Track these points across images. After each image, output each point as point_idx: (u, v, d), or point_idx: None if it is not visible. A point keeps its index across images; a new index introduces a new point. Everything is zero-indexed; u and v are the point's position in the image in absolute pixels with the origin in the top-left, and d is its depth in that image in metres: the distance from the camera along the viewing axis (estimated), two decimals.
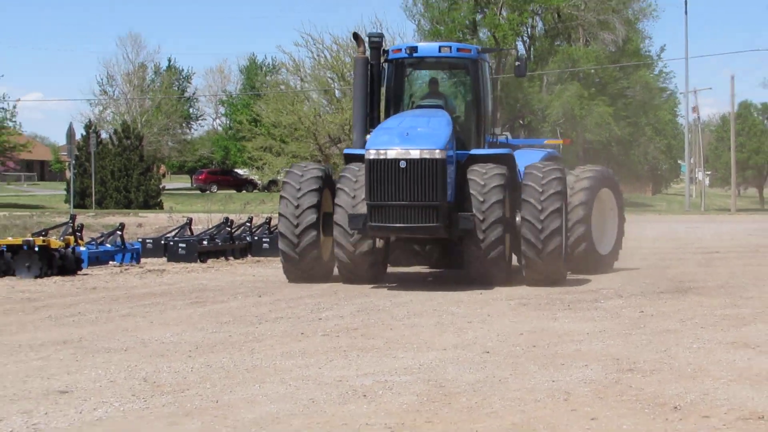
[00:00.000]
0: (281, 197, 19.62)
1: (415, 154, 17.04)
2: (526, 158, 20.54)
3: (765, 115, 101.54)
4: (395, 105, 20.70)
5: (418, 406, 8.66)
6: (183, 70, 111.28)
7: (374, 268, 18.99)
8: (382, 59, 20.45)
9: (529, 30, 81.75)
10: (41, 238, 23.61)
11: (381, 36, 20.41)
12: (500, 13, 78.33)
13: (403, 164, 17.02)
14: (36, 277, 22.26)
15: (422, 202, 17.14)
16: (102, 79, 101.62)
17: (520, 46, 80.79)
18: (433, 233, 18.11)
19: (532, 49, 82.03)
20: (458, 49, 20.44)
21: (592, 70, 78.09)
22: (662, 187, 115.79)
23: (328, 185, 19.88)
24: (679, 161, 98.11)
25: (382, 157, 17.22)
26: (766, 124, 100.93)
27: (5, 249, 23.06)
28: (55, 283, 21.95)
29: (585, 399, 8.94)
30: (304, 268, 19.15)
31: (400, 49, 20.64)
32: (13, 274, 22.63)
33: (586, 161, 79.96)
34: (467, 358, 11.11)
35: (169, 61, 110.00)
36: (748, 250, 29.24)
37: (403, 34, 75.37)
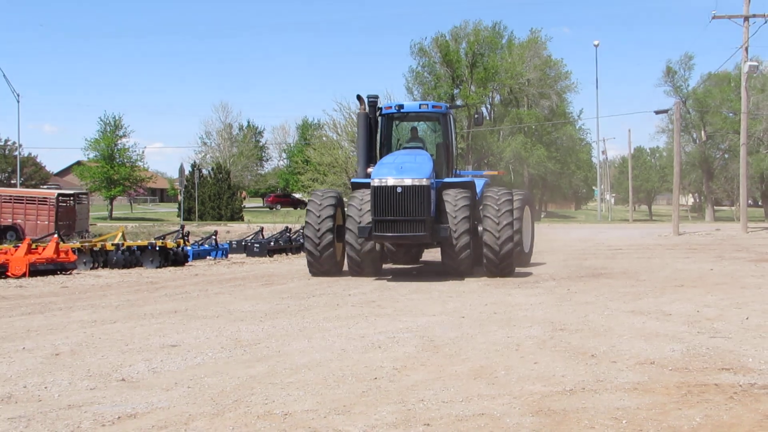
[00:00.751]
0: (307, 211, 19.32)
1: (407, 182, 17.11)
2: (477, 183, 20.58)
3: (651, 156, 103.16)
4: (387, 147, 20.61)
5: (416, 354, 8.75)
6: (257, 127, 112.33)
7: (375, 264, 18.77)
8: (377, 114, 20.49)
9: (490, 99, 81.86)
10: (161, 240, 24.26)
11: (377, 97, 20.55)
12: (470, 88, 78.52)
13: (399, 189, 17.07)
14: (157, 267, 22.69)
15: (413, 217, 17.12)
16: (203, 134, 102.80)
17: (483, 110, 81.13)
18: (420, 240, 18.09)
19: (492, 112, 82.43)
20: (433, 106, 20.77)
21: (533, 126, 78.46)
22: (582, 204, 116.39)
23: (340, 204, 19.71)
24: (593, 187, 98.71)
25: (383, 184, 17.21)
26: (651, 162, 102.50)
27: (136, 248, 23.60)
28: (169, 272, 22.24)
29: (530, 349, 8.99)
30: (322, 264, 18.75)
31: (391, 106, 20.73)
32: (141, 266, 23.10)
33: (530, 188, 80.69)
34: (449, 321, 11.14)
35: (248, 121, 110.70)
36: (641, 248, 29.22)
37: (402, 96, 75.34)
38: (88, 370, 8.02)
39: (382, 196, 17.22)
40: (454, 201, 17.79)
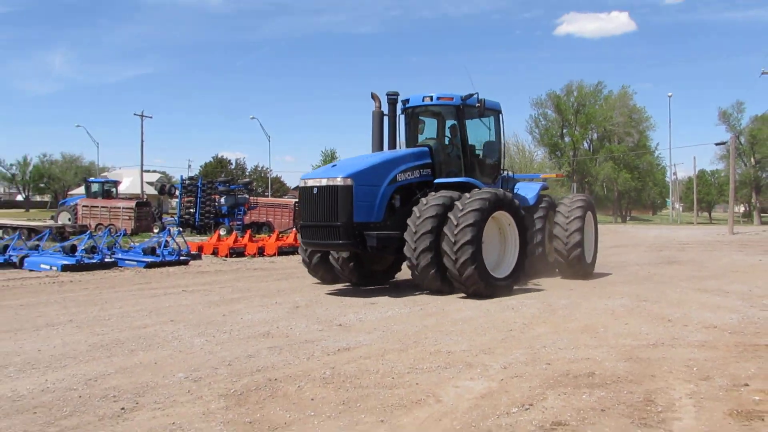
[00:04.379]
0: None
1: (323, 182, 10.26)
2: (528, 188, 13.02)
3: (711, 176, 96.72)
4: (406, 145, 12.39)
5: (538, 314, 8.55)
6: None
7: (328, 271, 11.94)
8: (398, 110, 12.23)
9: (589, 136, 79.10)
10: None
11: (396, 94, 12.21)
12: (575, 129, 76.44)
13: (315, 191, 10.29)
14: None
15: (326, 222, 10.17)
16: None
17: (585, 144, 78.65)
18: (339, 248, 10.81)
19: (591, 145, 79.71)
20: (438, 98, 11.65)
21: (621, 155, 75.01)
22: (657, 211, 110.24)
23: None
24: (666, 199, 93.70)
25: (304, 184, 10.67)
26: (711, 180, 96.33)
27: None
28: None
29: (621, 314, 8.58)
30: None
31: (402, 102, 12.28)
32: None
33: (618, 200, 77.44)
34: (561, 293, 10.76)
35: None
36: (704, 243, 27.25)
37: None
38: (317, 318, 8.32)
39: (303, 198, 10.90)
40: (419, 210, 10.15)
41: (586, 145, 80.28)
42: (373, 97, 12.03)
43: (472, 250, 9.60)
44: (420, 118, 12.39)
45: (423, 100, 11.77)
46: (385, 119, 12.20)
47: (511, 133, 62.86)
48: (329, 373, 5.54)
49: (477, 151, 12.19)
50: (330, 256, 11.53)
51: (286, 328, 7.57)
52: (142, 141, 60.23)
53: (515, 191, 12.78)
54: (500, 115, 12.43)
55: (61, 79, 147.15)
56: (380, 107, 12.01)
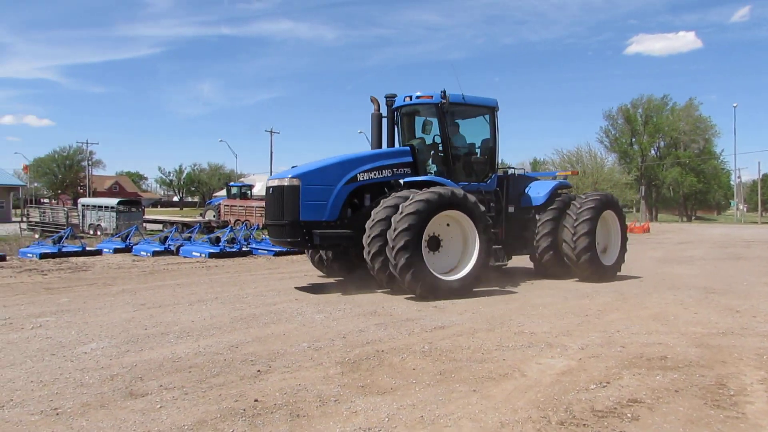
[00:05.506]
0: None
1: (275, 182, 9.13)
2: (540, 187, 10.72)
3: None
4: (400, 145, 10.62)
5: (612, 302, 8.15)
6: None
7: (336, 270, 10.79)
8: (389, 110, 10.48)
9: (657, 144, 74.43)
10: None
11: (395, 96, 10.30)
12: (643, 137, 72.28)
13: (271, 191, 9.14)
14: None
15: (276, 220, 9.05)
16: None
17: (653, 151, 74.16)
18: (292, 246, 9.82)
19: (659, 152, 74.93)
20: (418, 97, 9.87)
21: (687, 161, 70.17)
22: (721, 212, 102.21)
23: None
24: (730, 200, 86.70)
25: (267, 185, 9.44)
26: None
27: None
28: None
29: (691, 304, 8.00)
30: None
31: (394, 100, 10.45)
32: None
33: (684, 202, 72.41)
34: (633, 282, 10.19)
35: None
36: None
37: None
38: (416, 302, 8.25)
39: (265, 198, 9.71)
40: (374, 213, 8.59)
41: (653, 151, 75.81)
42: (372, 100, 10.46)
43: (407, 256, 7.98)
44: (416, 117, 10.41)
45: (404, 100, 10.14)
46: (384, 121, 10.51)
47: (584, 142, 60.24)
48: (427, 348, 5.50)
49: (464, 150, 10.19)
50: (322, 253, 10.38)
51: (390, 308, 7.59)
52: (271, 152, 63.51)
53: (526, 191, 10.79)
54: (495, 112, 10.36)
55: (209, 103, 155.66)
56: (379, 109, 10.41)
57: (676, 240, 25.13)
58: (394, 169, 9.65)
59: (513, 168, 11.11)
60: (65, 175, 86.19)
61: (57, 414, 3.79)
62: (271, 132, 61.29)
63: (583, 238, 10.06)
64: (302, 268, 12.58)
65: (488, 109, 10.38)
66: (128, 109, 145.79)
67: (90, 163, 79.83)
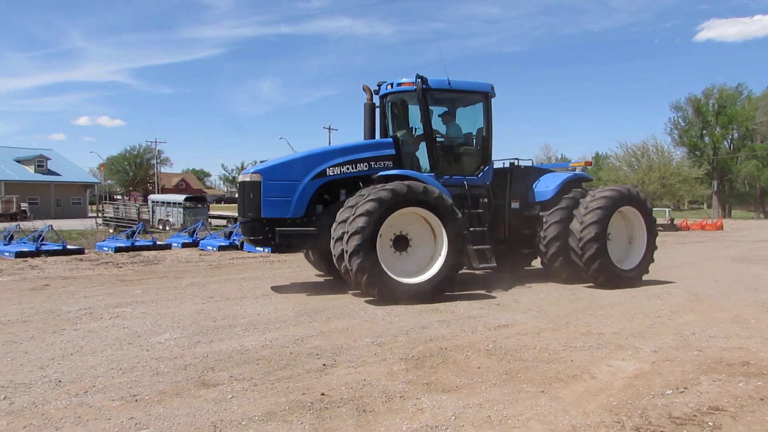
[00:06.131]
0: None
1: (242, 178, 8.62)
2: (549, 180, 9.69)
3: None
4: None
5: (685, 303, 7.77)
6: (568, 158, 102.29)
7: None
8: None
9: (731, 135, 70.48)
10: None
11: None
12: (715, 129, 68.56)
13: (239, 186, 8.69)
14: None
15: (243, 217, 8.59)
16: None
17: (725, 144, 70.24)
18: (255, 245, 8.78)
19: (732, 144, 70.94)
20: (398, 84, 9.05)
21: (764, 153, 66.13)
22: None
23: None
24: None
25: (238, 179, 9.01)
26: None
27: None
28: None
29: None
30: None
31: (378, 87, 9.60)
32: None
33: (761, 197, 68.28)
34: (706, 283, 9.70)
35: (561, 155, 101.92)
36: None
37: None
38: (478, 299, 8.16)
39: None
40: (339, 213, 7.91)
41: (726, 144, 71.83)
42: (364, 89, 9.50)
43: (359, 261, 7.40)
44: (410, 106, 9.42)
45: (386, 88, 9.35)
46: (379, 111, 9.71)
47: (650, 134, 57.77)
48: (492, 346, 5.42)
49: (459, 140, 9.31)
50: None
51: (451, 305, 7.53)
52: None
53: (534, 185, 9.77)
54: (489, 98, 9.33)
55: (269, 101, 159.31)
56: (371, 99, 9.47)
57: (752, 238, 23.74)
58: (372, 163, 8.78)
59: (516, 159, 10.00)
60: (136, 173, 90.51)
61: (136, 401, 3.96)
62: (329, 129, 62.04)
63: (591, 245, 8.81)
64: None
65: (481, 95, 9.34)
66: (193, 108, 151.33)
67: (158, 161, 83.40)
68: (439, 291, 7.86)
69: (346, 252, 7.48)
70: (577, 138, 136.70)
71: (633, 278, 9.34)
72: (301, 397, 4.03)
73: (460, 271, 8.29)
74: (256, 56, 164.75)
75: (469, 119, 9.58)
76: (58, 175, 50.86)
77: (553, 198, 9.49)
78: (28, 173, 49.61)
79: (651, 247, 9.70)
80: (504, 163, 10.07)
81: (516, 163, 10.00)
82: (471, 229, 8.62)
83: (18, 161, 51.00)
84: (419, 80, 8.76)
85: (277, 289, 8.95)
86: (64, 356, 5.06)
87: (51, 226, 16.36)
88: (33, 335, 5.85)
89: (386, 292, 7.55)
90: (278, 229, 8.25)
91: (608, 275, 9.00)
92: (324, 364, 4.82)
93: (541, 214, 9.45)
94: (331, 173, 8.50)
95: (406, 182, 7.86)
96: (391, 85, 9.22)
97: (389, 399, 4.01)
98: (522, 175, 9.88)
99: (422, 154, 9.10)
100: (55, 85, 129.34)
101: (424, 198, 7.84)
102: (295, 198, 8.32)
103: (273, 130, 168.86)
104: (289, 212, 8.34)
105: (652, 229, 9.74)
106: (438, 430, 3.50)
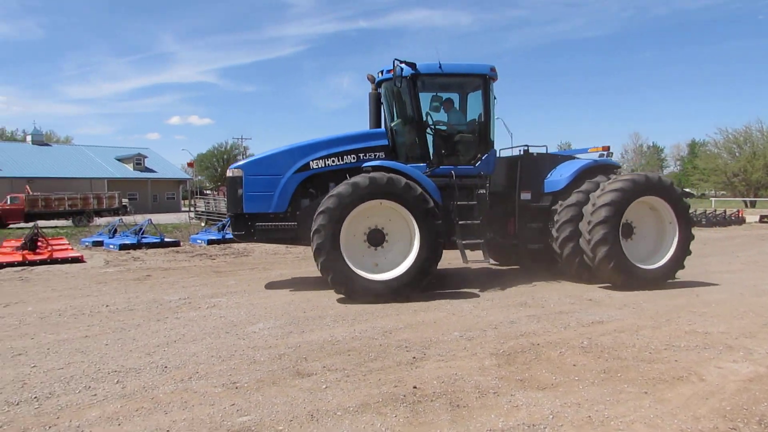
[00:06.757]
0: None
1: (229, 173, 8.37)
2: (564, 169, 8.81)
3: None
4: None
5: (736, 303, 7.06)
6: (660, 146, 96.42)
7: None
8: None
9: None
10: None
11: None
12: None
13: (226, 181, 8.44)
14: None
15: (229, 213, 8.52)
16: (622, 152, 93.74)
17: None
18: (242, 239, 8.35)
19: None
20: (388, 71, 8.46)
21: None
22: None
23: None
24: None
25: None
26: None
27: None
28: None
29: None
30: None
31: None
32: None
33: None
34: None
35: (653, 143, 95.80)
36: None
37: None
38: (567, 293, 7.90)
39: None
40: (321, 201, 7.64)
41: None
42: (369, 78, 9.10)
43: (322, 259, 7.22)
44: (402, 94, 8.64)
45: (378, 75, 8.80)
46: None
47: (755, 119, 53.38)
48: (587, 343, 5.21)
49: (459, 128, 8.65)
50: None
51: (541, 300, 7.33)
52: None
53: (549, 174, 8.94)
54: (488, 81, 8.50)
55: (348, 96, 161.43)
56: (376, 89, 9.01)
57: None
58: (361, 155, 8.39)
59: (526, 146, 9.12)
60: (224, 169, 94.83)
61: (236, 388, 4.12)
62: None
63: (599, 247, 7.89)
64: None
65: (478, 78, 8.55)
66: (276, 104, 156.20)
67: (244, 156, 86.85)
68: (411, 288, 7.44)
69: (311, 249, 7.32)
70: (670, 125, 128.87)
71: (659, 277, 8.23)
72: (393, 390, 4.04)
73: (438, 266, 7.72)
74: (336, 52, 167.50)
75: (475, 105, 8.82)
76: (154, 172, 54.18)
77: (566, 188, 8.64)
78: (128, 171, 53.16)
79: (683, 241, 8.45)
80: (520, 151, 9.22)
81: (527, 150, 9.15)
82: (461, 222, 8.07)
83: (119, 160, 54.79)
84: (399, 67, 8.19)
85: None
86: (168, 343, 5.36)
87: (150, 220, 17.42)
88: (139, 323, 6.25)
89: (354, 290, 7.28)
90: (258, 224, 8.14)
91: (626, 276, 8.00)
92: (414, 357, 4.82)
93: (554, 208, 8.63)
94: (315, 166, 8.24)
95: (370, 174, 7.53)
96: (381, 72, 8.69)
97: (483, 395, 3.95)
98: (534, 164, 9.02)
99: (418, 143, 8.48)
100: (149, 88, 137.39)
101: (389, 190, 7.45)
102: (277, 192, 8.14)
103: (352, 124, 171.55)
104: (271, 207, 8.15)
105: (684, 220, 8.50)
106: (535, 429, 3.40)
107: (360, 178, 7.48)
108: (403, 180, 7.53)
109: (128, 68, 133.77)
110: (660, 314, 6.43)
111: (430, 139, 8.43)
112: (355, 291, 7.29)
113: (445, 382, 4.20)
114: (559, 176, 8.80)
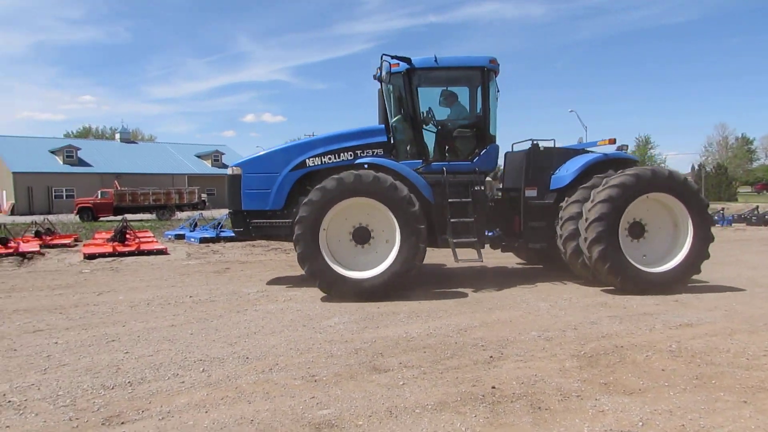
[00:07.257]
0: None
1: (228, 171, 8.48)
2: (572, 163, 8.18)
3: None
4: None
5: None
6: (749, 137, 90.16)
7: None
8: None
9: None
10: None
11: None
12: None
13: (226, 179, 8.49)
14: None
15: (228, 210, 8.64)
16: (706, 145, 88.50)
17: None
18: (240, 236, 8.60)
19: None
20: (390, 65, 8.09)
21: None
22: None
23: None
24: None
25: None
26: None
27: None
28: None
29: None
30: None
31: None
32: None
33: None
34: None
35: (742, 134, 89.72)
36: None
37: None
38: (651, 295, 7.51)
39: None
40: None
41: None
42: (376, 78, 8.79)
43: (300, 252, 7.21)
44: (401, 90, 8.37)
45: (377, 71, 8.53)
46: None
47: None
48: (675, 347, 4.94)
49: (461, 123, 8.33)
50: None
51: (622, 300, 7.02)
52: None
53: (555, 170, 8.36)
54: (487, 73, 8.14)
55: None
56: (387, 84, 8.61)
57: None
58: (358, 152, 8.24)
59: (532, 140, 8.58)
60: None
61: (315, 381, 4.19)
62: None
63: (594, 246, 7.35)
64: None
65: (477, 70, 8.18)
66: (346, 102, 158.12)
67: None
68: (389, 288, 7.22)
69: (294, 242, 7.31)
70: (762, 115, 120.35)
71: (668, 282, 7.49)
72: (471, 389, 3.98)
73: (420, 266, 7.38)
74: (405, 48, 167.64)
75: (479, 99, 8.41)
76: None
77: (571, 184, 8.08)
78: (206, 167, 55.45)
79: (698, 242, 7.62)
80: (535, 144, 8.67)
81: (536, 144, 8.57)
82: (453, 220, 7.76)
83: (198, 156, 57.25)
84: (387, 62, 7.96)
85: (438, 277, 9.00)
86: (249, 335, 5.53)
87: (228, 214, 17.92)
88: (221, 314, 6.49)
89: (331, 288, 7.23)
90: (253, 221, 8.21)
91: (624, 279, 7.37)
92: (491, 356, 4.73)
93: (560, 205, 8.09)
94: (311, 164, 8.21)
95: (356, 171, 7.39)
96: (380, 69, 8.37)
97: (565, 397, 3.81)
98: (541, 159, 8.46)
99: (414, 140, 8.29)
100: (226, 87, 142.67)
101: (373, 188, 7.28)
102: (274, 190, 8.18)
103: None
104: (269, 204, 8.21)
105: (699, 220, 7.68)
106: None
107: (346, 175, 7.35)
108: (389, 180, 7.35)
109: (206, 68, 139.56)
110: (756, 318, 6.01)
111: (426, 135, 8.24)
112: (339, 291, 7.21)
113: (525, 383, 4.10)
114: (565, 172, 8.29)
